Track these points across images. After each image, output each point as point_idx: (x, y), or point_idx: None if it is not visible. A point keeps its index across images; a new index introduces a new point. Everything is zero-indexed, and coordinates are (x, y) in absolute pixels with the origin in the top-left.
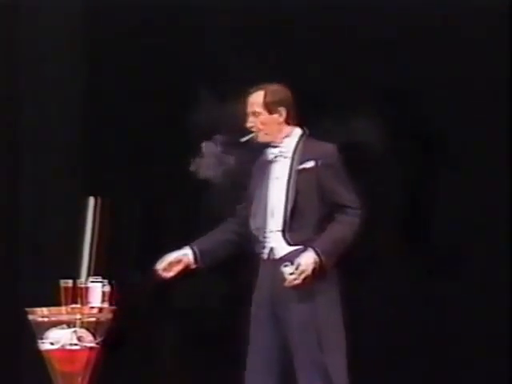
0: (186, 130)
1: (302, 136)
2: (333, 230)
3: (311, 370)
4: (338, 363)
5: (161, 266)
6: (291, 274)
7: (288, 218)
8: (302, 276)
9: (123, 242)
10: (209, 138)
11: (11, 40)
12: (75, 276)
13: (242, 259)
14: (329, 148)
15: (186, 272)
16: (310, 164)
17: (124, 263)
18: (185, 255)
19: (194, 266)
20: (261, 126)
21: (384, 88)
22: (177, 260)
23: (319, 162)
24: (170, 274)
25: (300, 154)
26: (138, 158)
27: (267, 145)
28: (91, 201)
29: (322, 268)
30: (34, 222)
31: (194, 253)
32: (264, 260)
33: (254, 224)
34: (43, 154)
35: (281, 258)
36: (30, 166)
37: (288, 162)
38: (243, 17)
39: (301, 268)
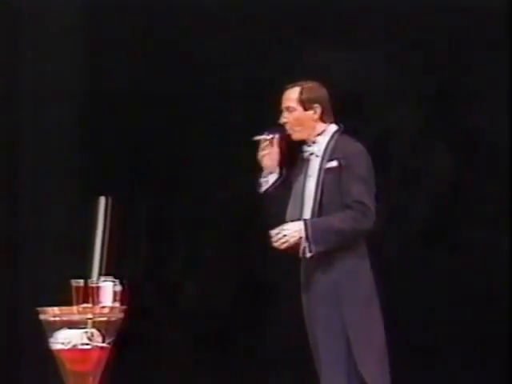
0: (187, 129)
1: (334, 134)
2: (331, 216)
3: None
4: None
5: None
6: (276, 235)
7: (315, 217)
8: (283, 240)
9: (134, 242)
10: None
11: (11, 40)
12: (86, 276)
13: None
14: (352, 148)
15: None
16: (334, 164)
17: (135, 263)
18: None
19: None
20: (294, 122)
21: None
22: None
23: (342, 162)
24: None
25: (329, 154)
26: (139, 159)
27: (302, 143)
28: (102, 200)
29: (309, 243)
30: (34, 222)
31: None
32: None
33: (290, 220)
34: (43, 154)
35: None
36: (30, 166)
37: (319, 160)
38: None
39: (283, 232)
